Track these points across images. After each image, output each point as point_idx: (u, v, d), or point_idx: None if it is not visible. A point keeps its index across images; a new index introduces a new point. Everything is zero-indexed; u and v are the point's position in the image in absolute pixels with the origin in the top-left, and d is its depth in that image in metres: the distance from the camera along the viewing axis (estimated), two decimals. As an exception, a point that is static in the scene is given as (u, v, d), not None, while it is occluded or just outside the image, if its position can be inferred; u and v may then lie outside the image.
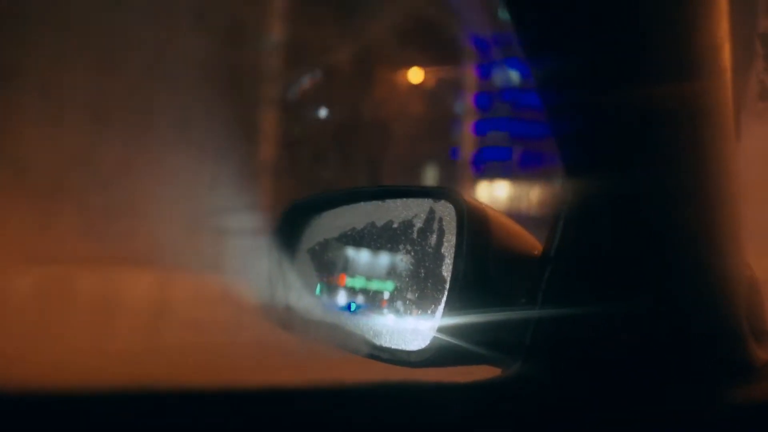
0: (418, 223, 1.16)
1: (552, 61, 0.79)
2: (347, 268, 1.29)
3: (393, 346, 1.12)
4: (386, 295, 1.19)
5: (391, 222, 1.21)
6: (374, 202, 1.27)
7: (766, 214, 1.28)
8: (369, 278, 1.24)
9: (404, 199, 1.21)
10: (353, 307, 1.25)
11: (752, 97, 1.27)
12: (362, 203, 1.30)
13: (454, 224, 1.07)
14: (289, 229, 1.37)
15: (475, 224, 1.04)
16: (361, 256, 1.27)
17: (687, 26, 0.78)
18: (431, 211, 1.14)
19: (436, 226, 1.13)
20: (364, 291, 1.24)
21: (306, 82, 13.88)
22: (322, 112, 14.68)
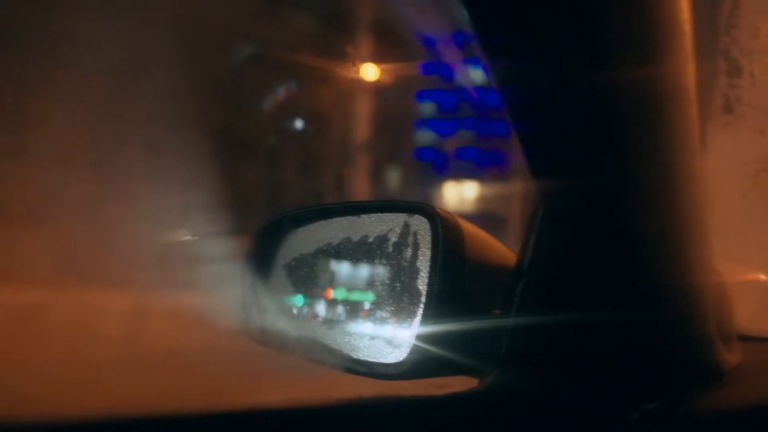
0: (393, 238, 1.17)
1: (510, 60, 0.79)
2: (328, 280, 1.30)
3: (370, 359, 1.13)
4: (367, 305, 1.20)
5: (366, 237, 1.22)
6: (349, 218, 1.28)
7: (731, 220, 1.30)
8: (350, 289, 1.25)
9: (379, 214, 1.22)
10: (336, 317, 1.25)
11: (717, 111, 1.31)
12: (337, 218, 1.31)
13: (428, 238, 1.09)
14: (265, 244, 1.38)
15: (449, 238, 1.05)
16: (340, 268, 1.28)
17: (652, 45, 0.79)
18: (406, 226, 1.15)
19: (411, 240, 1.14)
20: (346, 302, 1.25)
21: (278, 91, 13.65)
22: (275, 115, 14.35)
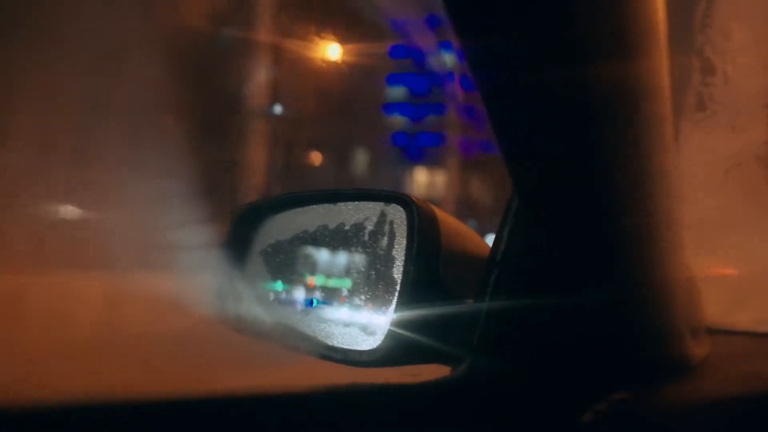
0: (370, 226, 1.18)
1: (484, 46, 0.78)
2: (304, 266, 1.30)
3: (345, 347, 1.14)
4: (342, 292, 1.20)
5: (342, 224, 1.23)
6: (326, 205, 1.28)
7: (703, 215, 1.32)
8: (326, 276, 1.25)
9: (356, 203, 1.22)
10: (314, 302, 1.26)
11: (690, 108, 1.32)
12: (314, 206, 1.31)
13: (404, 227, 1.09)
14: (241, 230, 1.38)
15: (425, 227, 1.06)
16: (316, 256, 1.28)
17: (626, 42, 0.80)
18: (382, 214, 1.16)
19: (387, 228, 1.14)
20: (323, 288, 1.25)
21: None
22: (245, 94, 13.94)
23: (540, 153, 0.88)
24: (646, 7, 0.79)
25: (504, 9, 0.74)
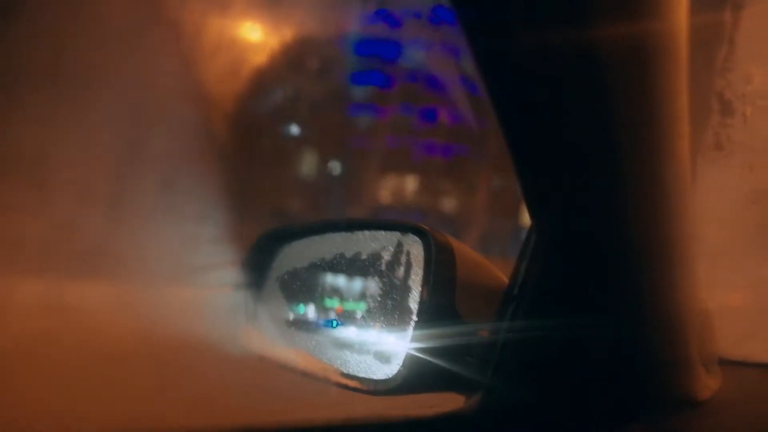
0: (387, 256, 1.19)
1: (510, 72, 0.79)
2: (320, 294, 1.31)
3: (361, 375, 1.14)
4: (360, 319, 1.21)
5: (359, 253, 1.24)
6: (343, 234, 1.30)
7: (717, 250, 1.33)
8: (344, 303, 1.26)
9: (372, 232, 1.23)
10: (335, 324, 1.26)
11: (708, 147, 1.35)
12: (331, 234, 1.32)
13: (421, 258, 1.10)
14: (259, 258, 1.39)
15: (441, 258, 1.07)
16: (333, 283, 1.29)
17: (648, 83, 0.81)
18: (399, 244, 1.17)
19: (403, 259, 1.15)
20: (340, 315, 1.26)
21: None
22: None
23: (558, 189, 0.89)
24: (669, 49, 0.81)
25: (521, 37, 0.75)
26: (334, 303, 1.28)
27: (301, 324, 1.33)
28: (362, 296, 1.22)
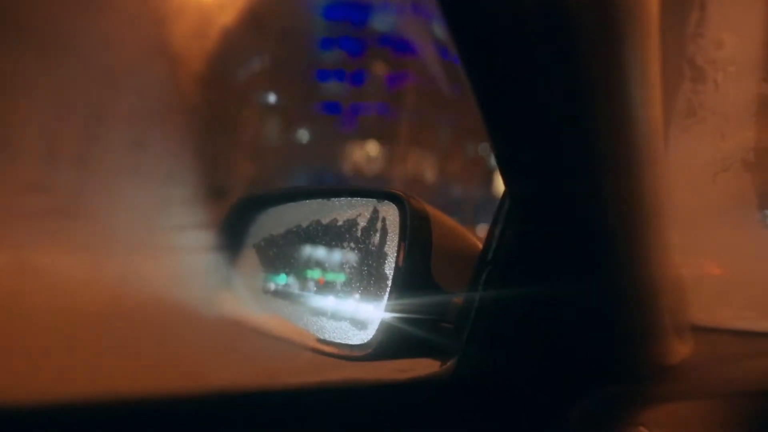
0: (362, 222, 1.19)
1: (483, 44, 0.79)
2: (299, 259, 1.31)
3: (336, 341, 1.15)
4: (337, 286, 1.21)
5: (335, 220, 1.24)
6: (319, 201, 1.30)
7: (689, 217, 1.35)
8: (320, 270, 1.26)
9: (349, 199, 1.23)
10: (311, 290, 1.27)
11: (680, 114, 1.35)
12: (308, 201, 1.32)
13: (396, 224, 1.11)
14: (235, 224, 1.39)
15: (417, 224, 1.07)
16: (310, 249, 1.29)
17: (620, 50, 0.81)
18: (375, 211, 1.17)
19: (379, 225, 1.16)
20: (316, 281, 1.26)
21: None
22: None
23: (532, 153, 0.89)
24: (640, 13, 0.81)
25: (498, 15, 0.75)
26: (310, 270, 1.28)
27: (277, 290, 1.34)
28: (338, 263, 1.22)
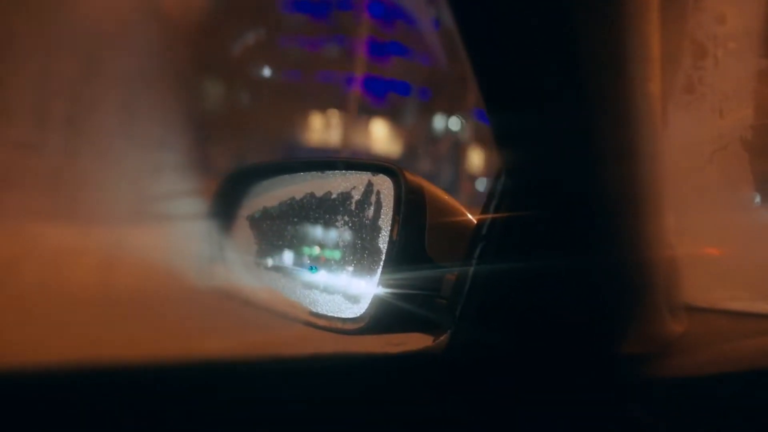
0: (357, 196, 1.18)
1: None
2: (293, 233, 1.30)
3: (329, 314, 1.15)
4: (330, 260, 1.21)
5: (329, 193, 1.23)
6: (313, 173, 1.29)
7: (686, 196, 1.34)
8: (314, 243, 1.26)
9: (343, 172, 1.23)
10: (305, 264, 1.26)
11: (679, 90, 1.34)
12: (301, 173, 1.31)
13: (391, 197, 1.10)
14: (228, 196, 1.38)
15: (411, 198, 1.06)
16: (304, 223, 1.29)
17: (619, 22, 0.80)
18: (369, 184, 1.16)
19: (373, 198, 1.15)
20: (310, 255, 1.26)
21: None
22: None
23: (528, 126, 0.89)
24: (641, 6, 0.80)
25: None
26: (303, 243, 1.27)
27: (271, 263, 1.33)
28: (332, 237, 1.22)
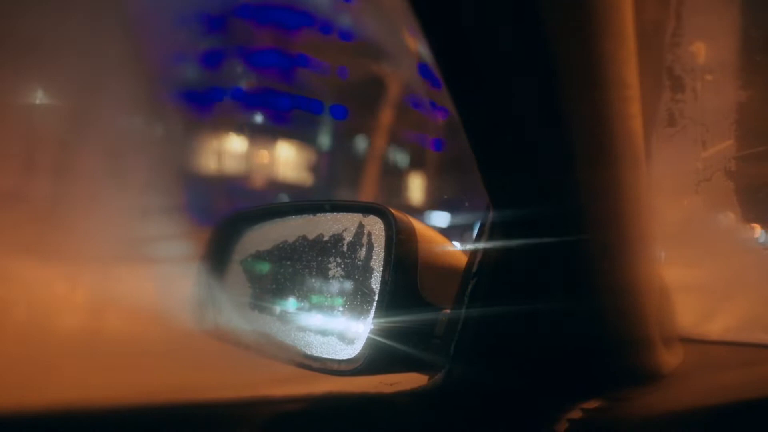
0: (348, 237, 1.19)
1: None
2: (286, 276, 1.31)
3: (323, 356, 1.14)
4: (324, 302, 1.21)
5: (321, 236, 1.24)
6: (305, 216, 1.30)
7: (674, 228, 1.35)
8: (307, 286, 1.26)
9: (334, 214, 1.23)
10: (298, 306, 1.26)
11: (661, 124, 1.37)
12: (294, 217, 1.32)
13: (382, 238, 1.11)
14: (221, 241, 1.38)
15: (402, 238, 1.07)
16: (297, 266, 1.29)
17: (599, 65, 0.82)
18: (360, 226, 1.17)
19: (365, 239, 1.15)
20: (303, 298, 1.26)
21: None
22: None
23: (515, 166, 0.90)
24: (617, 25, 0.82)
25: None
26: (297, 285, 1.28)
27: (264, 307, 1.33)
28: (325, 279, 1.22)
